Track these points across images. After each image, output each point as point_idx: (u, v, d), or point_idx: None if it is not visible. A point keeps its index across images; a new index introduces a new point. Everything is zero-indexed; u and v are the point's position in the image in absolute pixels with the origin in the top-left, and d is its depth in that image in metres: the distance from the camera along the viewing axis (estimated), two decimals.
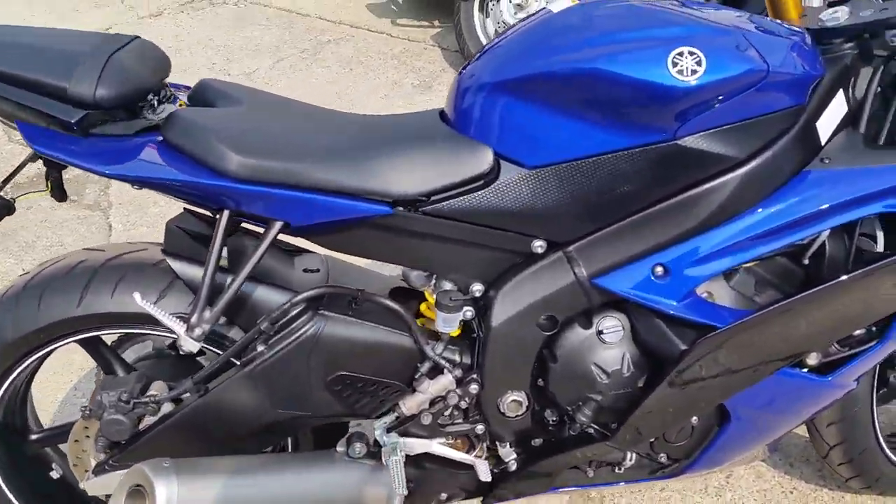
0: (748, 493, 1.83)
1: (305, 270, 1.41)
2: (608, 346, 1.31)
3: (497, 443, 1.43)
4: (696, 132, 1.16)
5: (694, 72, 1.11)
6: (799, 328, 1.26)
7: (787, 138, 1.21)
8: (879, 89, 1.32)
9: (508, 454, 1.44)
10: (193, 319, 1.23)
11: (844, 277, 1.22)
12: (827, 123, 1.26)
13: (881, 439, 1.62)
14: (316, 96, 3.48)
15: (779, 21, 1.35)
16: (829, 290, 1.23)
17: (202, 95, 1.32)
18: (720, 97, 1.13)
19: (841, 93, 1.28)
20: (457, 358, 1.35)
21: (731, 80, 1.12)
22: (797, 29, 1.29)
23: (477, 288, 1.30)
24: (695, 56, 1.11)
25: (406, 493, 1.31)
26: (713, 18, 1.20)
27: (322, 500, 1.34)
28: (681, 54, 1.12)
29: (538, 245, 1.25)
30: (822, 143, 1.25)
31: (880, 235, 1.30)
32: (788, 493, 1.83)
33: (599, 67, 1.13)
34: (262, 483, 1.30)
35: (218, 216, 1.23)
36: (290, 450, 1.54)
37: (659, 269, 1.23)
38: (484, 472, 1.40)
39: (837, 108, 1.27)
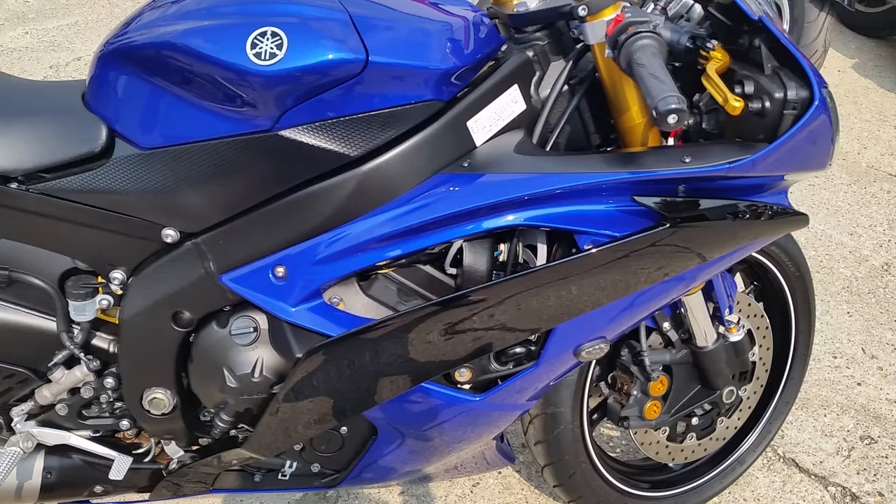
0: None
1: None
2: (241, 348, 1.21)
3: (161, 440, 1.35)
4: (298, 124, 1.05)
5: (273, 55, 0.99)
6: (431, 341, 1.15)
7: (418, 137, 1.09)
8: (566, 87, 1.20)
9: (175, 451, 1.35)
10: None
11: (468, 290, 1.12)
12: (487, 122, 1.14)
13: (597, 462, 1.52)
14: None
15: (470, 6, 1.23)
16: (456, 303, 1.13)
17: None
18: (317, 87, 1.02)
19: (515, 88, 1.15)
20: (100, 348, 1.25)
21: (316, 68, 1.00)
22: (474, 15, 1.17)
23: (116, 276, 1.20)
24: (277, 38, 1.00)
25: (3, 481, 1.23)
26: None
27: None
28: (263, 35, 1.00)
29: (168, 234, 1.15)
30: (477, 143, 1.13)
31: (542, 248, 1.19)
32: None
33: (181, 43, 1.02)
34: None
35: None
36: None
37: (280, 270, 1.12)
38: (118, 470, 1.31)
39: (507, 106, 1.15)
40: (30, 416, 1.30)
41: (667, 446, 1.57)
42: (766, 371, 1.63)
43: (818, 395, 2.01)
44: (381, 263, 1.16)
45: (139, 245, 1.18)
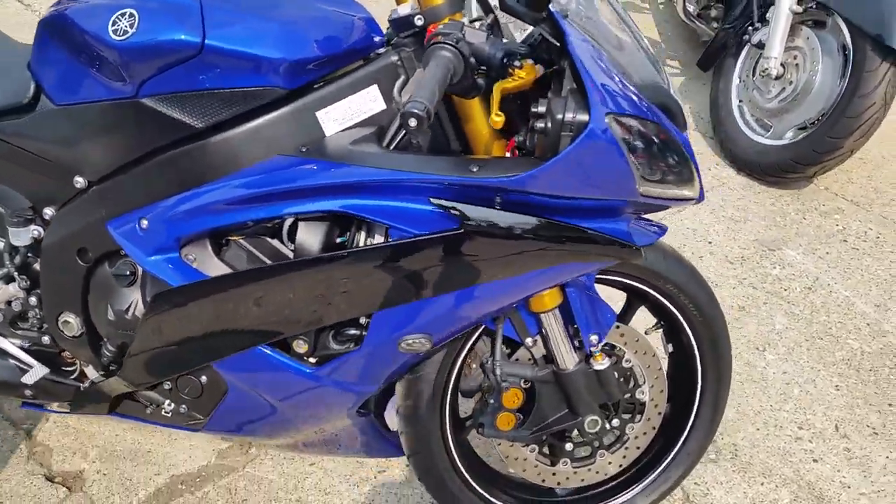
0: (390, 493, 1.82)
1: None
2: (120, 288, 1.40)
3: (80, 361, 1.57)
4: (154, 94, 1.22)
5: (125, 32, 1.17)
6: (261, 306, 1.28)
7: (262, 119, 1.23)
8: None
9: (92, 373, 1.57)
10: None
11: (285, 263, 1.24)
12: (340, 115, 1.25)
13: (459, 466, 1.55)
14: None
15: (357, 8, 1.34)
16: (277, 273, 1.25)
17: None
18: (163, 62, 1.18)
19: (375, 88, 1.26)
20: (32, 270, 1.49)
21: (158, 45, 1.17)
22: (348, 16, 1.28)
23: (47, 212, 1.43)
24: (132, 18, 1.17)
25: None
26: None
27: None
28: (123, 14, 1.18)
29: (78, 181, 1.36)
30: (327, 133, 1.25)
31: (361, 237, 1.27)
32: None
33: (72, 17, 1.23)
34: None
35: None
36: None
37: (144, 222, 1.30)
38: (32, 376, 1.54)
39: (364, 103, 1.26)
40: None
41: (535, 465, 1.57)
42: (660, 414, 1.59)
43: (763, 462, 1.90)
44: (234, 230, 1.30)
45: (60, 187, 1.40)
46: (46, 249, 1.43)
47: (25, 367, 1.57)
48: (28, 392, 1.61)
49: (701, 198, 1.33)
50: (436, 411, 1.50)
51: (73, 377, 1.61)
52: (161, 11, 1.18)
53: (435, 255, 1.18)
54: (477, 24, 1.21)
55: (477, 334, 1.46)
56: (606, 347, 1.50)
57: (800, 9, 2.70)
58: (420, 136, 1.28)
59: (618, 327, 1.50)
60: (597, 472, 1.61)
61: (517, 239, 1.18)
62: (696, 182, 1.28)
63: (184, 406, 1.50)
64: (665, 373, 1.59)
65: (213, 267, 1.32)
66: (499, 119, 1.07)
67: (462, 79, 1.10)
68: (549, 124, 1.10)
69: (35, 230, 1.44)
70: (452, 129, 1.31)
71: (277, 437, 1.54)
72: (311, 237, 1.26)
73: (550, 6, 1.15)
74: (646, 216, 1.41)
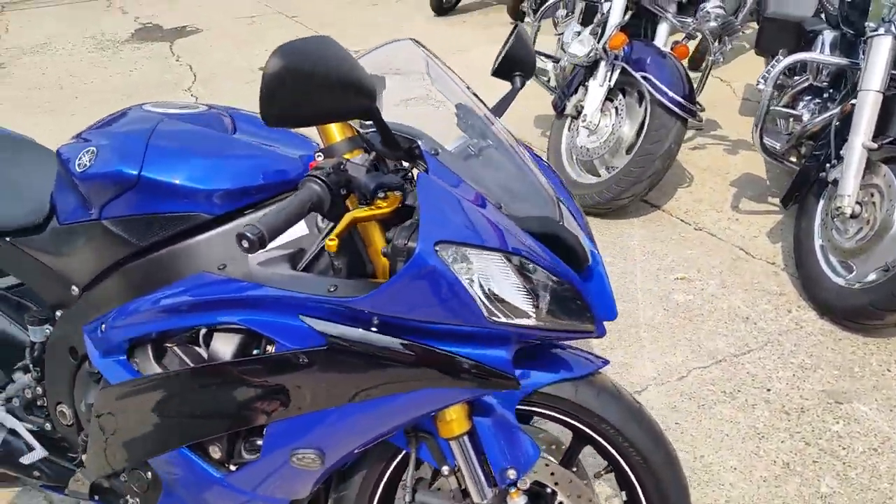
0: None
1: None
2: (94, 385, 1.59)
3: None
4: (111, 217, 1.43)
5: (85, 166, 1.40)
6: (175, 408, 1.40)
7: (189, 241, 1.40)
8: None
9: None
10: None
11: (188, 370, 1.35)
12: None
13: None
14: None
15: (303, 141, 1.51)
16: (184, 379, 1.37)
17: None
18: (112, 190, 1.39)
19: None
20: (42, 363, 1.74)
21: (105, 176, 1.39)
22: (282, 152, 1.45)
23: (58, 312, 1.68)
24: (92, 155, 1.40)
25: None
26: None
27: None
28: (87, 151, 1.41)
29: (73, 288, 1.61)
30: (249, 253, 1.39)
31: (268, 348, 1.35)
32: None
33: (63, 145, 1.49)
34: None
35: None
36: None
37: (103, 327, 1.49)
38: (30, 458, 1.76)
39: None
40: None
41: None
42: None
43: None
44: (172, 337, 1.45)
45: (64, 293, 1.65)
46: (50, 346, 1.66)
47: (30, 449, 1.79)
48: (31, 472, 1.82)
49: (599, 332, 1.30)
50: None
51: (74, 463, 1.80)
52: (112, 147, 1.41)
53: (306, 371, 1.25)
54: (360, 158, 1.31)
55: (400, 457, 1.47)
56: (536, 486, 1.44)
57: (874, 145, 2.54)
58: (337, 259, 1.36)
59: (548, 465, 1.44)
60: None
61: (381, 359, 1.22)
62: (585, 315, 1.26)
63: (136, 499, 1.62)
64: None
65: (150, 369, 1.47)
66: (332, 244, 1.15)
67: (331, 206, 1.20)
68: (390, 249, 1.16)
69: (48, 329, 1.68)
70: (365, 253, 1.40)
71: None
72: (221, 347, 1.38)
73: (421, 144, 1.23)
74: (581, 349, 1.40)
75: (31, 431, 1.79)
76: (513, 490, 1.39)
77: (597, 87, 3.45)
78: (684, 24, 3.51)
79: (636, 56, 3.36)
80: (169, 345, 1.46)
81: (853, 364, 2.50)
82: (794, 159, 3.20)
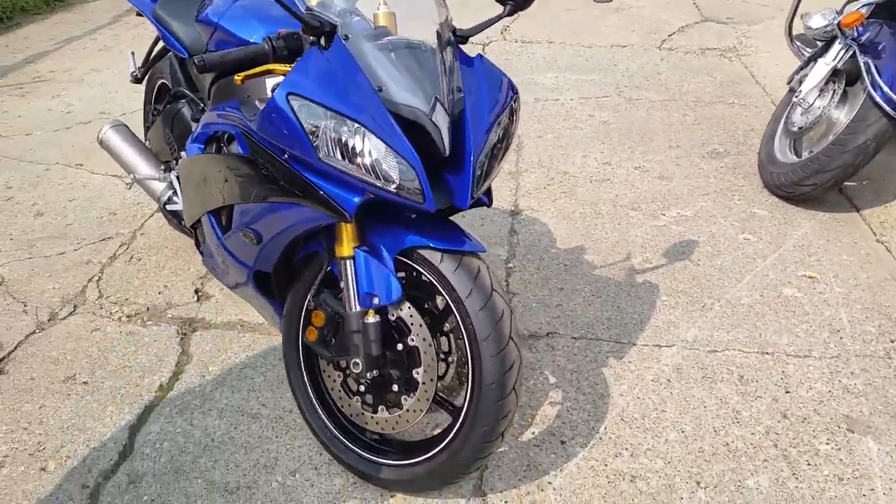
0: None
1: None
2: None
3: None
4: (209, 51, 2.13)
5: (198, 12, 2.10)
6: (202, 182, 2.09)
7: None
8: None
9: None
10: None
11: (207, 155, 2.03)
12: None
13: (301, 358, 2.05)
14: None
15: None
16: (204, 161, 2.04)
17: None
18: (205, 32, 2.09)
19: None
20: None
21: (201, 21, 2.07)
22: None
23: None
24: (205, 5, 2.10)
25: None
26: None
27: None
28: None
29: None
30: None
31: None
32: None
33: None
34: None
35: None
36: None
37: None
38: None
39: None
40: None
41: (339, 391, 1.97)
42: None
43: None
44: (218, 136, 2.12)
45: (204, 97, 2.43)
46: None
47: None
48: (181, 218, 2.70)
49: (428, 206, 1.60)
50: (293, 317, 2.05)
51: None
52: (212, 4, 2.09)
53: (244, 169, 1.81)
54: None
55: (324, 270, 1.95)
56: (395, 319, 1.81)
57: None
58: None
59: (412, 316, 1.77)
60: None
61: (272, 172, 1.72)
62: (414, 187, 1.57)
63: (198, 240, 2.39)
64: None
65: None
66: (238, 78, 1.66)
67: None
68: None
69: None
70: None
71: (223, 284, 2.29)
72: (225, 146, 2.00)
73: (339, 29, 1.64)
74: (471, 233, 1.75)
75: None
76: (371, 310, 1.80)
77: (822, 65, 3.23)
78: None
79: (871, 39, 3.06)
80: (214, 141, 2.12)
81: None
82: None
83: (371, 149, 1.57)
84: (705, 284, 2.83)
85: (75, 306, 2.76)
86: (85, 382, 2.39)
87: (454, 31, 1.84)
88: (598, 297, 2.76)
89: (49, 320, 2.69)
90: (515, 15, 1.98)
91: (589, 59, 5.27)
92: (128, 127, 2.88)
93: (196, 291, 2.84)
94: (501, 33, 5.78)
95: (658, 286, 2.82)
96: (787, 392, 2.32)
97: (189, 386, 2.37)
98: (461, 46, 1.86)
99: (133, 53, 3.05)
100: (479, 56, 1.85)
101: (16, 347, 2.55)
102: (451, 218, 1.83)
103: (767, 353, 2.47)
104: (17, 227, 3.32)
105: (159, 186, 2.73)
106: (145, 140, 2.98)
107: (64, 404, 2.29)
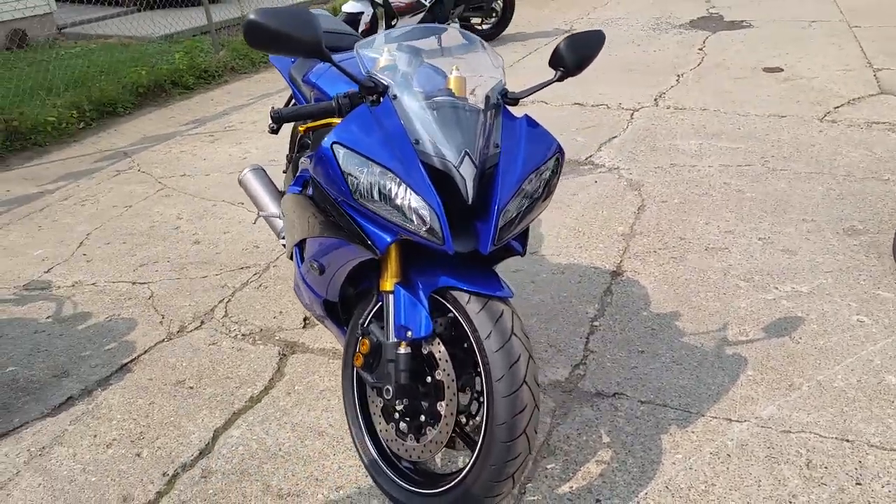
0: None
1: None
2: None
3: None
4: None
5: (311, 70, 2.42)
6: (292, 216, 2.37)
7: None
8: None
9: None
10: None
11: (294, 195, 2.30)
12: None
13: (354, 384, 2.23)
14: None
15: None
16: (293, 200, 2.32)
17: None
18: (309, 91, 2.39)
19: None
20: None
21: (305, 80, 2.38)
22: None
23: None
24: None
25: None
26: None
27: None
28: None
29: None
30: None
31: None
32: None
33: None
34: None
35: None
36: None
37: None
38: None
39: None
40: None
41: (379, 416, 2.12)
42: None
43: None
44: None
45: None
46: None
47: None
48: None
49: (447, 249, 1.75)
50: (350, 343, 2.24)
51: None
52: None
53: (310, 209, 2.06)
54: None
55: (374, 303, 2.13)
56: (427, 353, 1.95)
57: None
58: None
59: (441, 352, 1.92)
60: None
61: (329, 211, 1.95)
62: (435, 231, 1.73)
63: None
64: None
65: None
66: (302, 127, 1.91)
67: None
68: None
69: None
70: None
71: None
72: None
73: (390, 90, 1.86)
74: (503, 279, 1.88)
75: None
76: (403, 342, 1.95)
77: None
78: None
79: None
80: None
81: None
82: None
83: (400, 193, 1.75)
84: (799, 363, 2.68)
85: (202, 322, 3.17)
86: (191, 387, 2.73)
87: (505, 94, 1.99)
88: (678, 364, 2.71)
89: (178, 332, 3.11)
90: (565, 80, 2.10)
91: (741, 127, 5.13)
92: (265, 171, 3.28)
93: (304, 319, 3.14)
94: (655, 101, 5.78)
95: (747, 360, 2.71)
96: (859, 484, 2.14)
97: (274, 400, 2.63)
98: (509, 108, 2.00)
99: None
100: (526, 116, 1.99)
101: (145, 351, 2.98)
102: (514, 264, 1.97)
103: (847, 441, 2.30)
104: (176, 252, 3.85)
105: (279, 223, 3.08)
106: (284, 183, 3.37)
107: (169, 403, 2.65)
